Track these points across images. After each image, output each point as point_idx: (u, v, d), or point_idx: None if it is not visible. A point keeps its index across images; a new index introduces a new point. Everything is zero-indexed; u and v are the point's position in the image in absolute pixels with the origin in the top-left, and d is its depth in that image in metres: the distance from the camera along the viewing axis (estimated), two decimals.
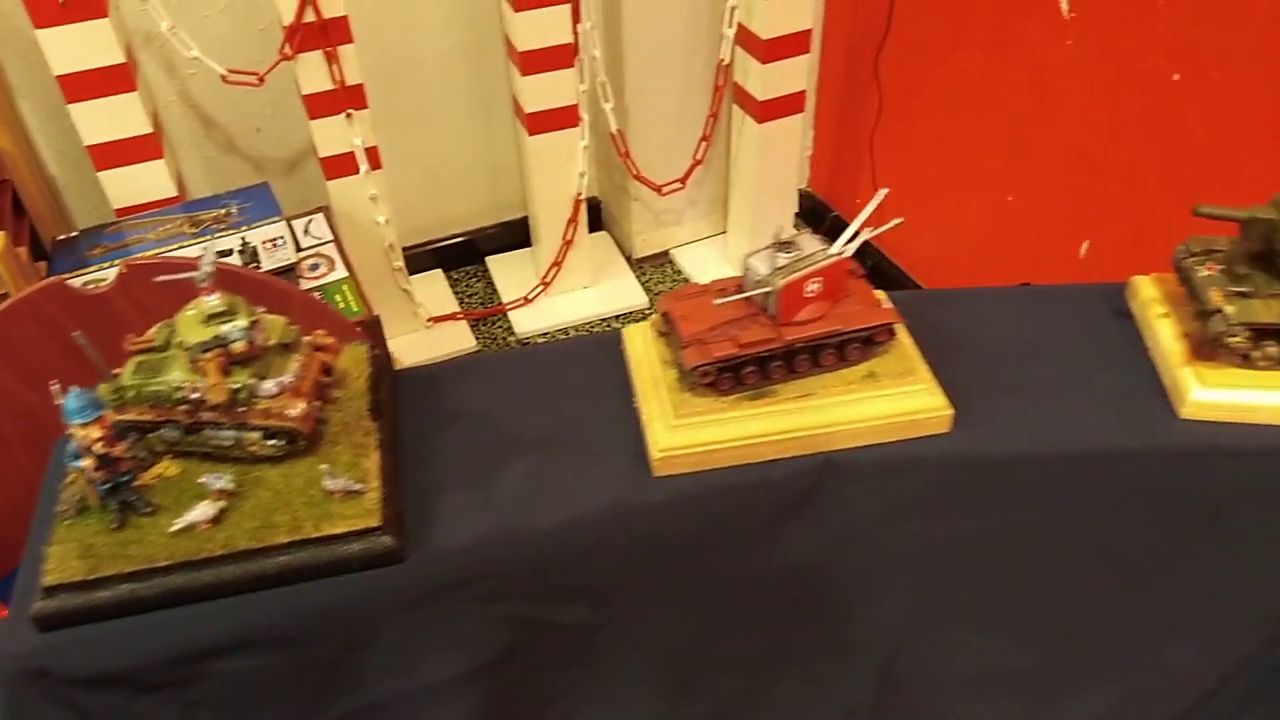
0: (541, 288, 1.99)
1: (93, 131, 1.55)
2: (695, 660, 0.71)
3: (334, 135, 1.71)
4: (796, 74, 1.83)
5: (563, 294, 2.01)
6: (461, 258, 2.09)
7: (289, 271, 1.62)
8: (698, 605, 0.69)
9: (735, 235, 2.07)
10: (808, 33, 1.80)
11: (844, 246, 0.65)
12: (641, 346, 0.70)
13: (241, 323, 0.57)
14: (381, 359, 0.69)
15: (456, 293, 2.04)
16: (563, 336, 1.94)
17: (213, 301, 0.57)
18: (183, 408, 0.58)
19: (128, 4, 1.56)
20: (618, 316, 1.98)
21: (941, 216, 1.90)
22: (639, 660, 0.70)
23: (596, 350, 0.73)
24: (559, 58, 1.75)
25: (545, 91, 1.77)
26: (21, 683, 0.56)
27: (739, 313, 0.66)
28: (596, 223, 2.18)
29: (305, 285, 1.65)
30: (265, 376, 0.59)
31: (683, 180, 1.99)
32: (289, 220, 1.77)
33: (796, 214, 2.23)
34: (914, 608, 0.71)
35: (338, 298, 1.65)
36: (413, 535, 0.62)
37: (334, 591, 0.60)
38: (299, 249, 1.71)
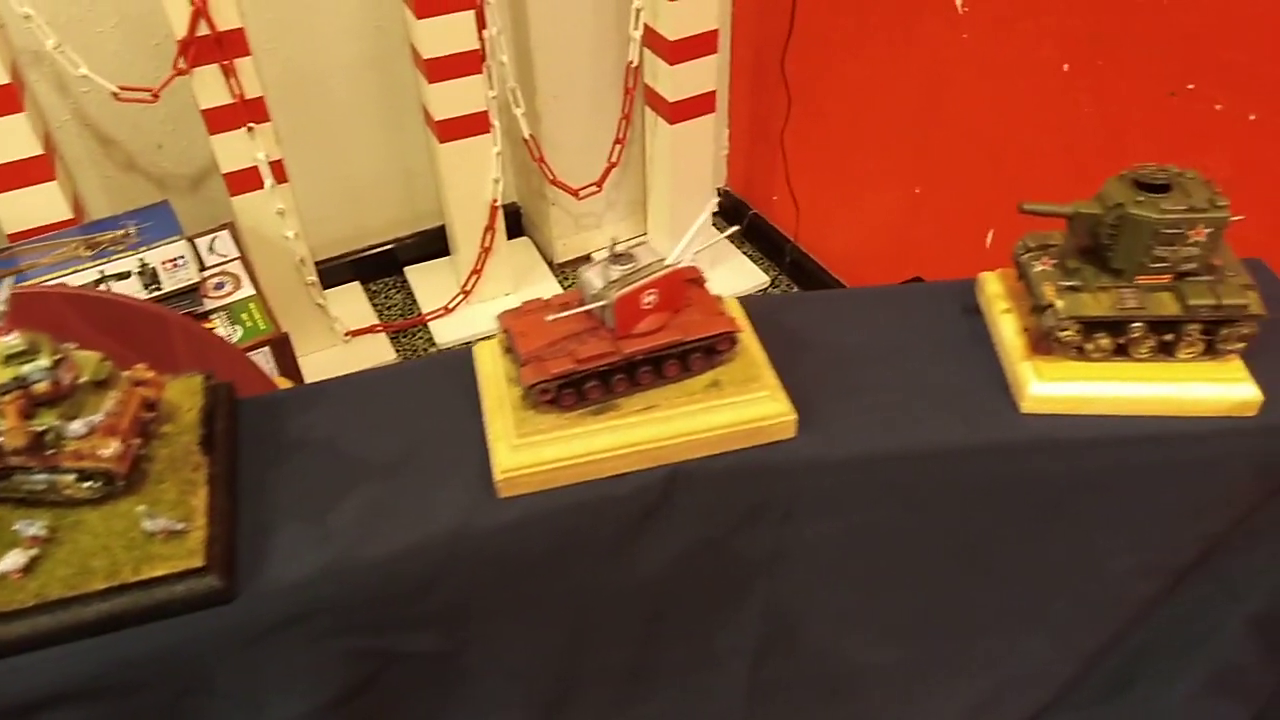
0: (462, 296, 1.97)
1: None
2: (561, 680, 0.70)
3: (236, 150, 1.67)
4: (705, 74, 1.83)
5: (484, 302, 1.99)
6: (379, 269, 2.07)
7: (192, 292, 1.59)
8: (556, 624, 0.68)
9: (656, 236, 2.07)
10: (714, 33, 1.80)
11: (679, 256, 0.65)
12: (490, 364, 0.69)
13: (43, 362, 0.55)
14: (219, 389, 0.67)
15: (375, 305, 2.02)
16: None
17: (11, 341, 0.55)
18: None
19: (13, 21, 1.51)
20: None
21: (855, 211, 1.92)
22: (503, 683, 0.69)
23: (449, 370, 0.72)
24: (466, 64, 1.73)
25: (454, 98, 1.75)
26: None
27: (578, 327, 0.65)
28: (518, 228, 2.17)
29: (210, 305, 1.62)
30: (76, 416, 0.57)
31: (599, 183, 1.98)
32: (192, 239, 1.73)
33: (715, 213, 2.24)
34: (775, 613, 0.71)
35: (244, 316, 1.62)
36: (245, 572, 0.60)
37: (162, 636, 0.58)
38: (203, 268, 1.68)
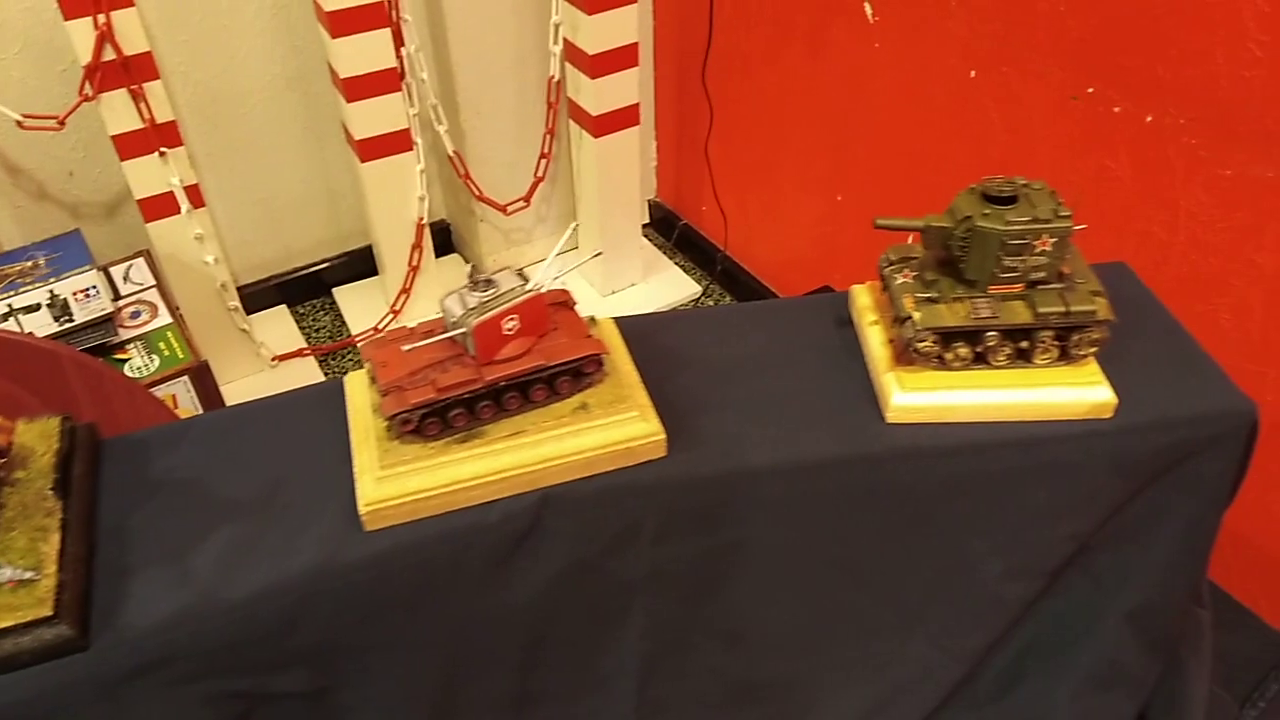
0: (392, 316, 1.95)
1: None
2: (442, 712, 0.70)
3: (149, 175, 1.64)
4: (627, 88, 1.84)
5: (414, 321, 1.97)
6: (307, 291, 2.04)
7: (106, 322, 1.55)
8: (434, 655, 0.67)
9: (587, 250, 2.07)
10: (634, 47, 1.81)
11: (539, 282, 0.65)
12: (359, 396, 0.69)
13: None
14: (78, 431, 0.66)
15: (303, 328, 1.99)
16: None
17: None
18: None
19: None
20: None
21: (780, 219, 1.94)
22: (382, 718, 0.68)
23: (320, 402, 0.71)
24: (384, 82, 1.72)
25: (374, 117, 1.74)
26: None
27: (442, 355, 0.65)
28: (448, 245, 2.15)
29: (126, 334, 1.59)
30: None
31: (526, 198, 1.98)
32: (105, 268, 1.70)
33: (648, 224, 2.25)
34: (656, 632, 0.71)
35: (161, 345, 1.59)
36: (100, 620, 0.59)
37: (14, 689, 0.57)
38: (117, 297, 1.64)
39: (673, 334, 0.76)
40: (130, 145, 1.61)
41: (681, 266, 2.16)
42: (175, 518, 0.64)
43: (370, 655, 0.66)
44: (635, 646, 0.71)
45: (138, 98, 1.57)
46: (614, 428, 0.66)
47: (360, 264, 2.03)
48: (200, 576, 0.61)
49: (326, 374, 1.89)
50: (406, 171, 1.81)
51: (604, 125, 1.85)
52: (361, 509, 0.63)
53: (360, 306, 2.00)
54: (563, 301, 0.69)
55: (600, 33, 1.75)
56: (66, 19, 1.46)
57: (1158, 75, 1.23)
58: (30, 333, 1.42)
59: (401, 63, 1.72)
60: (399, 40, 1.70)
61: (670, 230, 2.21)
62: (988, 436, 0.68)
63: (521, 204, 1.98)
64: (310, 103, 1.86)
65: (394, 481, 0.63)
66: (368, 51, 1.67)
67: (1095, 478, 0.69)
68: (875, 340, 0.72)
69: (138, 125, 1.59)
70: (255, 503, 0.65)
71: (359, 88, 1.70)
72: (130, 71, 1.54)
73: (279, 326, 1.97)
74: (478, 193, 1.93)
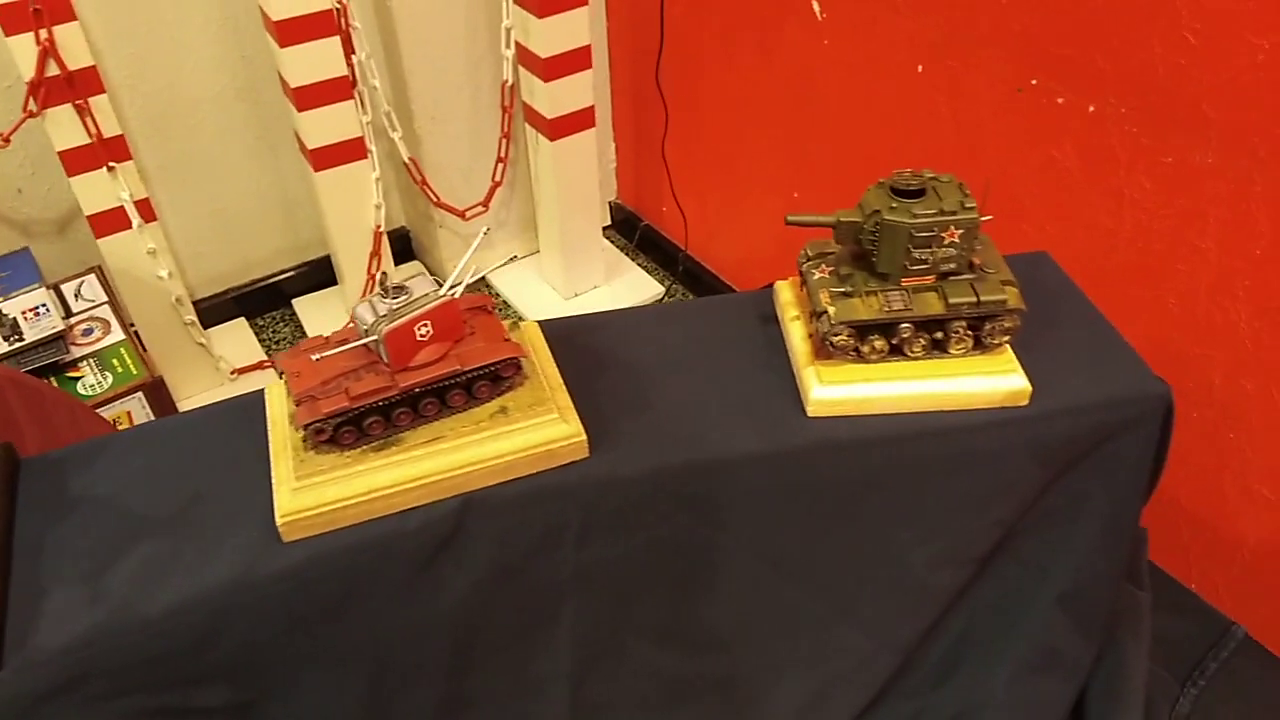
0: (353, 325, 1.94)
1: None
2: None
3: (98, 191, 1.63)
4: (581, 90, 1.84)
5: None
6: (266, 303, 2.03)
7: (57, 340, 1.54)
8: (360, 665, 0.67)
9: (548, 253, 2.07)
10: (586, 49, 1.81)
11: (450, 288, 0.65)
12: (278, 407, 0.68)
13: None
14: None
15: (263, 340, 1.98)
16: None
17: None
18: None
19: None
20: None
21: (739, 218, 1.95)
22: None
23: (242, 415, 0.70)
24: (336, 90, 1.71)
25: (326, 125, 1.73)
26: None
27: (356, 363, 0.65)
28: (409, 253, 2.15)
29: (78, 352, 1.57)
30: None
31: (485, 203, 1.98)
32: (56, 285, 1.68)
33: (609, 226, 2.25)
34: (587, 633, 0.71)
35: (114, 362, 1.58)
36: (14, 641, 0.58)
37: None
38: (68, 314, 1.63)
39: (598, 336, 0.76)
40: (78, 161, 1.59)
41: (644, 268, 2.16)
42: (91, 535, 0.64)
43: (294, 667, 0.65)
44: (567, 649, 0.71)
45: (83, 112, 1.56)
46: (534, 430, 0.66)
47: (319, 274, 2.02)
48: (115, 593, 0.61)
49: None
50: (362, 180, 1.80)
51: (560, 128, 1.85)
52: (278, 520, 0.63)
53: (320, 317, 1.99)
54: (481, 306, 0.69)
55: (552, 36, 1.75)
56: (7, 35, 1.44)
57: (1098, 66, 1.24)
58: None
59: (352, 70, 1.71)
60: (349, 48, 1.69)
61: (632, 231, 2.21)
62: (907, 427, 0.68)
63: (480, 209, 1.98)
64: (262, 112, 1.85)
65: (310, 492, 0.63)
66: (317, 60, 1.67)
67: (1015, 464, 0.70)
68: (797, 335, 0.73)
69: (85, 140, 1.57)
70: (172, 518, 0.65)
71: (310, 96, 1.69)
72: (75, 86, 1.53)
73: (238, 339, 1.95)
74: (435, 199, 1.92)
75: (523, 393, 0.68)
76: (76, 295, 1.67)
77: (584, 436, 0.67)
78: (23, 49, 1.46)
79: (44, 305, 1.56)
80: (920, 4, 1.47)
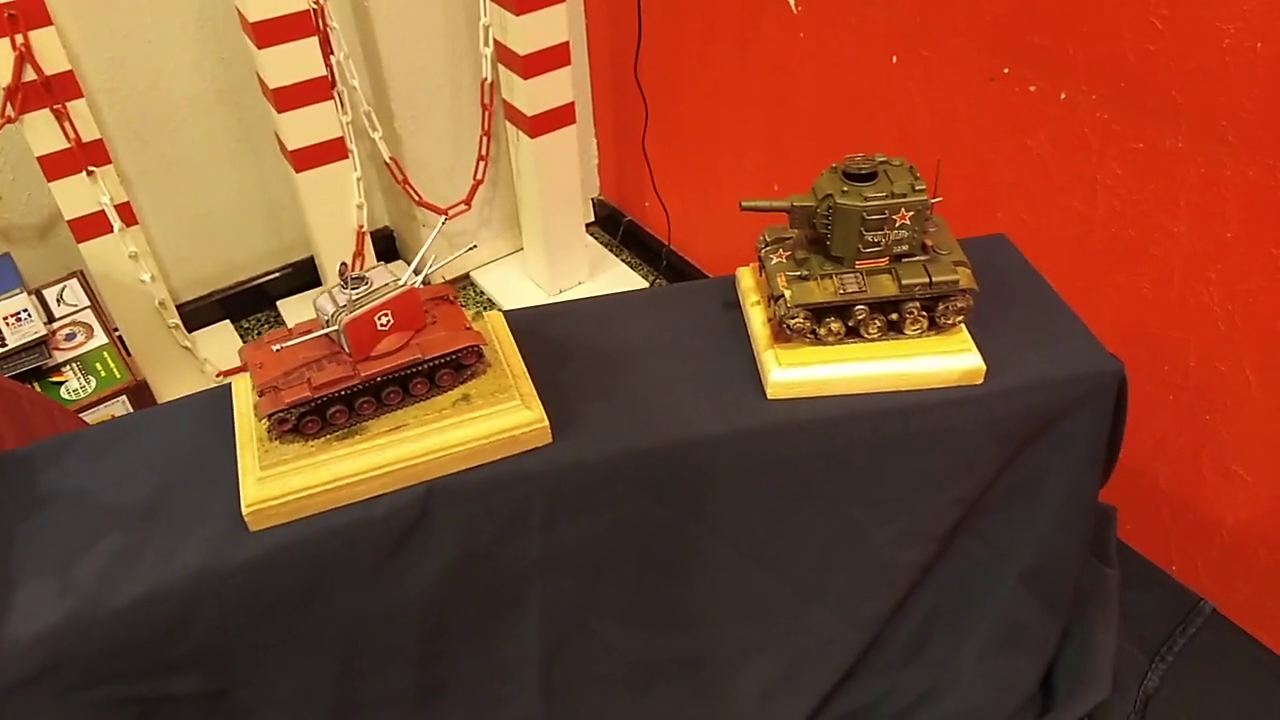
0: None
1: None
2: (344, 708, 0.70)
3: (78, 195, 1.63)
4: (561, 87, 1.85)
5: None
6: (251, 305, 2.03)
7: (40, 345, 1.55)
8: (330, 652, 0.68)
9: (532, 251, 2.08)
10: (565, 45, 1.82)
11: (411, 278, 0.66)
12: (244, 399, 0.69)
13: None
14: None
15: (248, 342, 1.98)
16: None
17: None
18: None
19: None
20: None
21: (720, 212, 1.96)
22: (286, 717, 0.69)
23: (209, 408, 0.71)
24: (315, 91, 1.72)
25: (306, 126, 1.74)
26: None
27: (318, 354, 0.66)
28: (393, 252, 2.15)
29: (61, 356, 1.58)
30: None
31: (467, 201, 1.99)
32: (38, 291, 1.69)
33: (593, 223, 2.26)
34: (555, 616, 0.72)
35: (98, 366, 1.58)
36: None
37: None
38: (51, 319, 1.63)
39: (562, 324, 0.77)
40: (57, 165, 1.59)
41: (628, 263, 2.17)
42: (61, 528, 0.65)
43: (265, 655, 0.66)
44: (535, 633, 0.72)
45: (61, 117, 1.56)
46: (497, 417, 0.67)
47: (303, 275, 2.03)
48: (84, 585, 0.62)
49: None
50: (343, 180, 1.81)
51: (540, 125, 1.86)
52: (244, 510, 0.64)
53: (305, 318, 1.99)
54: (443, 296, 0.70)
55: (530, 33, 1.76)
56: None
57: (1069, 53, 1.25)
58: None
59: (331, 70, 1.72)
60: (327, 48, 1.70)
61: (615, 228, 2.22)
62: (865, 407, 0.70)
63: (463, 207, 1.99)
64: (242, 114, 1.85)
65: (275, 481, 0.64)
66: (296, 61, 1.67)
67: (972, 442, 0.71)
68: (757, 320, 0.74)
69: (63, 145, 1.58)
70: (141, 510, 0.66)
71: (289, 97, 1.70)
72: (53, 91, 1.53)
73: (223, 342, 1.96)
74: (417, 198, 1.93)
75: (485, 380, 0.69)
76: (59, 300, 1.67)
77: (546, 422, 0.68)
78: None
79: (26, 311, 1.56)
80: None
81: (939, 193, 0.67)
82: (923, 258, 0.68)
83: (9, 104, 1.52)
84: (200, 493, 0.67)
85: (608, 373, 0.73)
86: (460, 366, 0.68)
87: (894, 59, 1.52)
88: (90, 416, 1.53)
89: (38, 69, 1.50)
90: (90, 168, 1.62)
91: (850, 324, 0.69)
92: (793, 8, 1.64)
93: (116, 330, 1.71)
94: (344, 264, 0.67)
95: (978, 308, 0.71)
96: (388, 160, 1.87)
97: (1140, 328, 1.32)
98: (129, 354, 1.69)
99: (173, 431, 0.71)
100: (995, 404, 0.70)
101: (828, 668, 0.79)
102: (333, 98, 1.74)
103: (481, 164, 1.96)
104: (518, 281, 2.10)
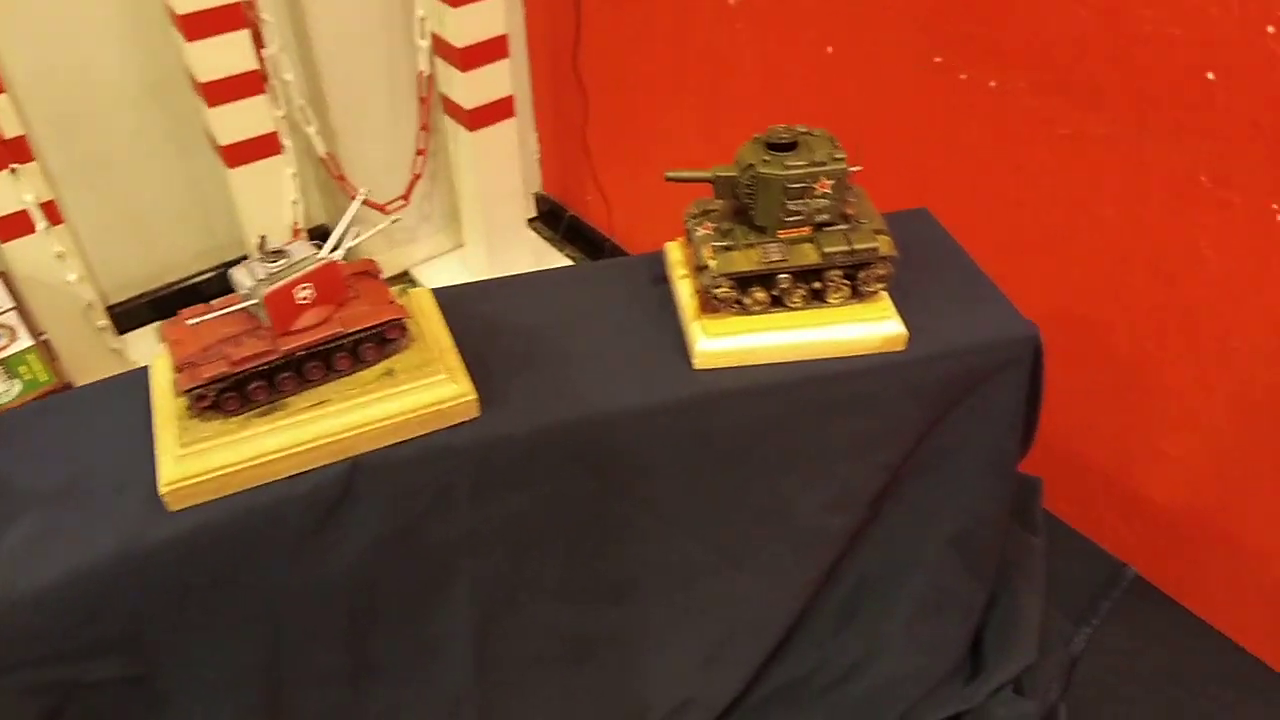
0: None
1: None
2: (272, 689, 0.69)
3: (0, 193, 1.57)
4: (499, 80, 1.84)
5: None
6: (183, 306, 1.94)
7: None
8: (256, 632, 0.67)
9: (473, 246, 2.06)
10: (503, 38, 1.81)
11: (330, 251, 0.65)
12: (163, 378, 0.68)
13: None
14: None
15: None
16: None
17: None
18: None
19: None
20: None
21: (661, 204, 1.95)
22: (212, 700, 0.67)
23: (127, 390, 0.69)
24: (247, 85, 1.68)
25: (238, 122, 1.70)
26: None
27: (237, 329, 0.64)
28: None
29: None
30: None
31: (405, 197, 1.96)
32: None
33: (535, 218, 2.26)
34: (484, 592, 0.72)
35: (21, 369, 1.53)
36: None
37: None
38: None
39: (491, 300, 0.77)
40: None
41: (571, 258, 2.17)
42: None
43: (188, 636, 0.65)
44: (465, 609, 0.72)
45: None
46: (422, 391, 0.66)
47: None
48: None
49: None
50: (277, 176, 1.77)
51: (478, 119, 1.85)
52: (162, 489, 0.62)
53: None
54: (367, 270, 0.69)
55: (466, 25, 1.75)
56: None
57: (997, 41, 1.28)
58: None
59: (264, 64, 1.69)
60: (259, 41, 1.66)
61: (558, 222, 2.22)
62: (790, 375, 0.71)
63: (401, 202, 1.97)
64: (172, 110, 1.80)
65: (195, 459, 0.63)
66: (226, 54, 1.64)
67: (896, 408, 0.73)
68: (685, 292, 0.74)
69: None
70: (56, 492, 0.64)
71: (220, 92, 1.66)
72: None
73: (155, 344, 1.91)
74: (354, 193, 1.90)
75: (410, 355, 0.68)
76: None
77: (474, 396, 0.67)
78: None
79: None
80: None
81: (858, 162, 0.69)
82: (844, 226, 0.70)
83: None
84: (118, 474, 0.65)
85: (536, 346, 0.73)
86: (384, 341, 0.68)
87: (829, 49, 1.55)
88: None
89: None
90: (13, 165, 1.56)
91: (775, 294, 0.71)
92: (730, 0, 1.66)
93: (42, 334, 1.65)
94: (263, 236, 0.66)
95: (899, 277, 0.73)
96: (323, 155, 1.84)
97: (1069, 309, 1.35)
98: (55, 357, 1.63)
99: (90, 413, 0.69)
100: (917, 370, 0.71)
101: (761, 636, 0.80)
102: (265, 92, 1.71)
103: (420, 158, 1.94)
104: (459, 277, 2.07)
